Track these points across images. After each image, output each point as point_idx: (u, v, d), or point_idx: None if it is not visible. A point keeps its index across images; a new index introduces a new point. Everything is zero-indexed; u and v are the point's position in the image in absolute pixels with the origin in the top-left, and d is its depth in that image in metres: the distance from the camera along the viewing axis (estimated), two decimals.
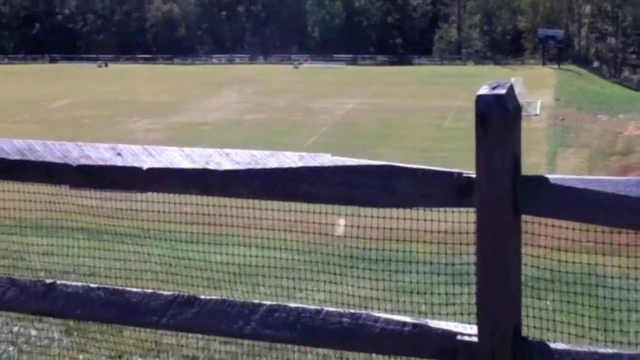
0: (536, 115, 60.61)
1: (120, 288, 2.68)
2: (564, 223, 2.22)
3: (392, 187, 2.28)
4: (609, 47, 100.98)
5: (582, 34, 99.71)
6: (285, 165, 2.36)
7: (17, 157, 2.65)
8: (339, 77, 77.72)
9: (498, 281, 2.22)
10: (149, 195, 4.30)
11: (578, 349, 2.20)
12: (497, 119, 2.09)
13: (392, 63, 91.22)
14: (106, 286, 2.69)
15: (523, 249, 2.24)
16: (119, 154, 2.54)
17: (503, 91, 2.10)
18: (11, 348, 5.22)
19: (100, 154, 2.56)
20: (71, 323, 5.44)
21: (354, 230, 4.60)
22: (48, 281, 2.74)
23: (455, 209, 2.33)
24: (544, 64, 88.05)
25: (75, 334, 5.37)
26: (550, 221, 2.32)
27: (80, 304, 2.69)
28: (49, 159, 2.61)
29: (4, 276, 2.84)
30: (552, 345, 2.23)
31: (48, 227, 7.70)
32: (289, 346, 4.73)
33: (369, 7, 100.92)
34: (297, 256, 6.08)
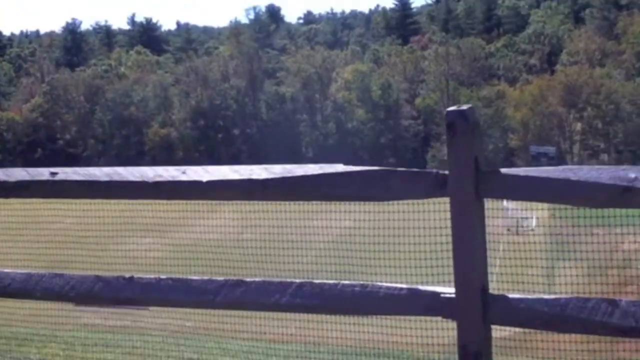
0: (532, 230, 61.29)
1: (184, 277, 3.50)
2: None
3: (388, 185, 3.14)
4: (602, 163, 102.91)
5: (575, 151, 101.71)
6: (310, 173, 3.22)
7: (106, 179, 3.50)
8: None
9: (468, 251, 3.05)
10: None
11: (529, 296, 3.03)
12: (460, 126, 2.98)
13: None
14: (172, 276, 3.51)
15: None
16: (184, 173, 3.40)
17: (465, 107, 3.00)
18: None
19: (169, 172, 3.43)
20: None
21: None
22: (127, 275, 3.56)
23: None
24: None
25: None
26: None
27: (154, 290, 3.49)
28: (130, 178, 3.46)
29: (91, 275, 3.65)
30: (510, 295, 3.06)
31: None
32: None
33: (362, 127, 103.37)
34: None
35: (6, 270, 3.96)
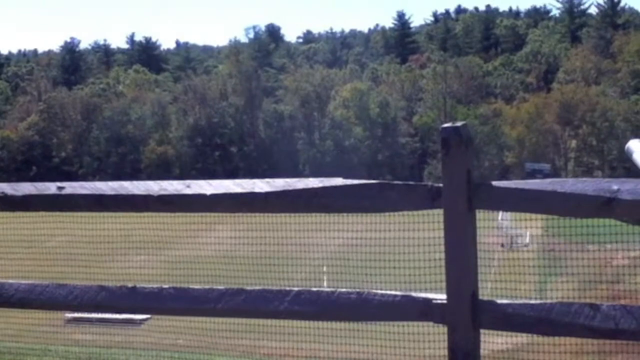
0: (525, 245, 61.49)
1: (185, 286, 3.62)
2: None
3: (386, 197, 3.29)
4: None
5: (569, 168, 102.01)
6: (310, 186, 3.36)
7: (112, 193, 3.63)
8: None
9: (459, 258, 3.19)
10: None
11: (516, 302, 3.17)
12: (454, 142, 3.12)
13: None
14: (175, 285, 3.63)
15: None
16: (188, 186, 3.53)
17: (459, 124, 3.15)
18: None
19: (174, 187, 3.56)
20: None
21: None
22: (130, 285, 3.68)
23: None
24: None
25: None
26: None
27: (156, 299, 3.61)
28: (136, 192, 3.59)
29: (95, 284, 3.77)
30: (498, 301, 3.21)
31: None
32: None
33: (359, 145, 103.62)
34: None
35: (10, 281, 4.06)
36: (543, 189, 3.06)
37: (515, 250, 58.77)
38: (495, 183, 3.18)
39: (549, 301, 3.11)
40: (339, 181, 3.35)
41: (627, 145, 3.14)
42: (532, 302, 3.14)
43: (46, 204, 3.85)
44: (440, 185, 3.20)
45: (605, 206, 2.95)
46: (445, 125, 3.16)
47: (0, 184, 3.86)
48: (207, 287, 3.58)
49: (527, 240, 62.00)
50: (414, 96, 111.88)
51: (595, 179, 3.06)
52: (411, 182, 3.30)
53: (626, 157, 3.30)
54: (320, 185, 3.35)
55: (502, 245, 57.68)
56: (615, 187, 2.96)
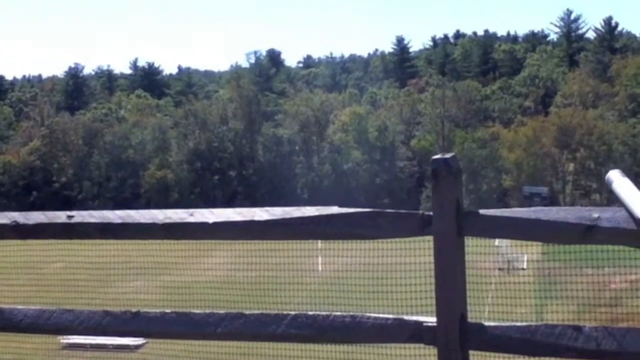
0: (523, 269, 61.56)
1: (187, 311, 3.78)
2: None
3: (379, 225, 3.46)
4: (594, 203, 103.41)
5: (567, 191, 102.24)
6: (307, 215, 3.53)
7: (119, 222, 3.80)
8: None
9: (449, 283, 3.36)
10: None
11: (503, 324, 3.34)
12: (444, 173, 3.31)
13: None
14: (177, 310, 3.79)
15: None
16: (191, 215, 3.71)
17: (448, 156, 3.33)
18: None
19: (178, 215, 3.73)
20: None
21: None
22: (134, 310, 3.84)
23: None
24: None
25: None
26: None
27: (159, 324, 3.77)
28: (142, 221, 3.76)
29: (100, 310, 3.93)
30: (486, 323, 3.37)
31: None
32: None
33: (358, 169, 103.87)
34: None
35: (19, 306, 4.21)
36: (528, 217, 3.24)
37: (513, 274, 58.93)
38: (482, 211, 3.36)
39: (534, 323, 3.27)
40: (334, 210, 3.52)
41: (606, 176, 3.33)
42: (518, 324, 3.31)
43: (56, 232, 4.02)
44: (431, 213, 3.37)
45: (586, 233, 3.13)
46: (435, 157, 3.34)
47: (12, 213, 4.03)
48: (207, 311, 3.74)
49: (525, 265, 62.13)
50: (412, 120, 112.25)
51: (577, 208, 3.25)
52: (402, 211, 3.47)
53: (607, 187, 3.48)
54: (317, 213, 3.52)
55: (500, 269, 57.84)
56: (595, 215, 3.13)
